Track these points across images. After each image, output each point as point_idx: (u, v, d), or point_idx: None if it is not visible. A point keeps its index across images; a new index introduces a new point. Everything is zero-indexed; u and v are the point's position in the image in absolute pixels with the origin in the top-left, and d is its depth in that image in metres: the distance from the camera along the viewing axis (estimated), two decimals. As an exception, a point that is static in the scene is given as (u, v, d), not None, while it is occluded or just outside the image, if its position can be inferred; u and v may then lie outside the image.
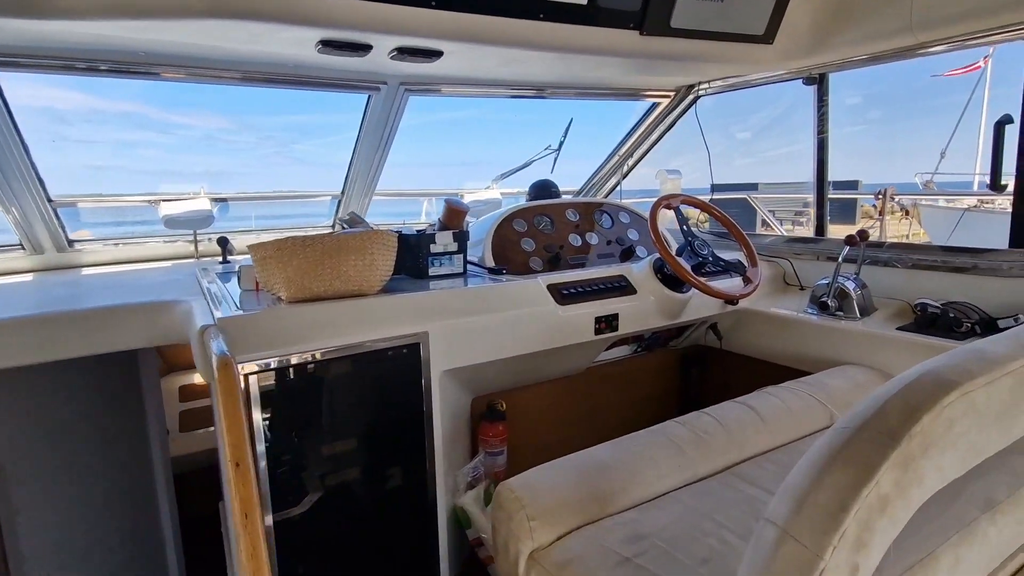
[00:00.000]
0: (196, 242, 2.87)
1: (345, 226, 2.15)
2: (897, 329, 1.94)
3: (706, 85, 2.68)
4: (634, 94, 2.82)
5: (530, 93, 2.74)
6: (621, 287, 2.10)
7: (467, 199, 3.31)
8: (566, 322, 1.91)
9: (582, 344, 1.99)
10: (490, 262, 2.23)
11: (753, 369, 2.39)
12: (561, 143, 3.09)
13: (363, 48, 1.80)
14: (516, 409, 2.17)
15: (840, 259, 2.09)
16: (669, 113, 2.88)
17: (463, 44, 1.84)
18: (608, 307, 2.02)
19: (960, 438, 0.70)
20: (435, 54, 1.92)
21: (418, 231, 2.18)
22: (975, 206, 13.25)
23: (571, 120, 2.99)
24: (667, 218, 2.33)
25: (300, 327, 1.54)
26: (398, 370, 1.64)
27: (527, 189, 2.80)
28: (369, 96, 2.52)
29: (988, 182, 1.85)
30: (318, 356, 1.53)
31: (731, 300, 1.97)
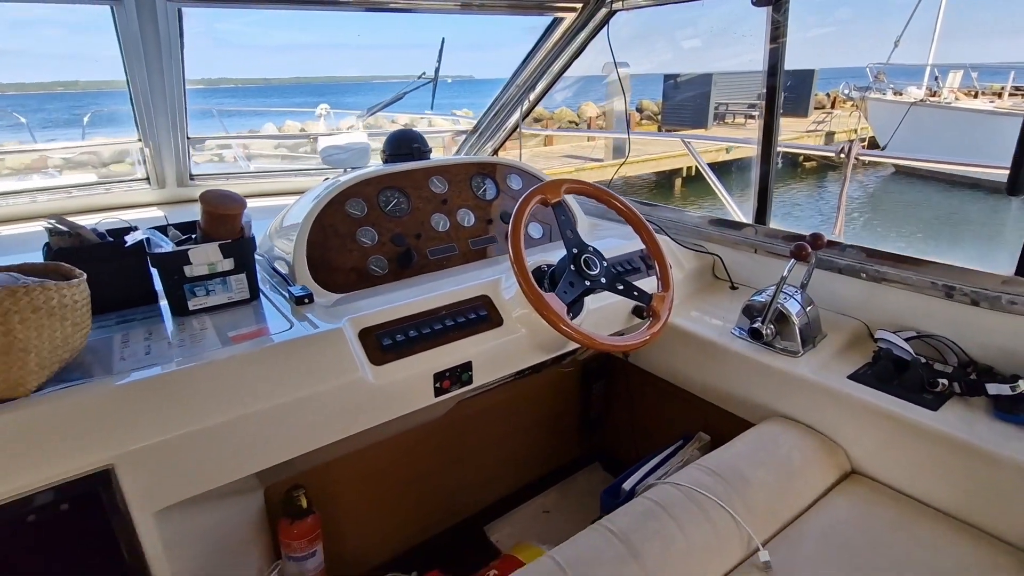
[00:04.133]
0: None
1: (59, 231, 1.40)
2: (848, 378, 1.42)
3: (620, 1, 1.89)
4: (529, 8, 2.00)
5: (384, 4, 1.90)
6: (480, 319, 1.47)
7: (322, 143, 2.50)
8: (384, 392, 1.29)
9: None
10: (303, 274, 1.54)
11: (665, 393, 1.87)
12: (437, 69, 2.28)
13: None
14: (338, 486, 1.61)
15: (786, 272, 1.50)
16: (577, 32, 2.09)
17: None
18: (456, 354, 1.40)
19: None
20: None
21: (179, 241, 1.46)
22: (922, 100, 12.64)
23: (443, 40, 2.16)
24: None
25: None
26: (64, 536, 1.00)
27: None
28: (111, 7, 1.65)
29: (1007, 183, 1.25)
30: None
31: (628, 350, 1.38)
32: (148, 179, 2.47)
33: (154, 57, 1.82)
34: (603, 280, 1.42)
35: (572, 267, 1.40)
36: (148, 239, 1.41)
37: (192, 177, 2.53)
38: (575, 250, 1.42)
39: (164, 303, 1.44)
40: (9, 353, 0.98)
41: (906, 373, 1.38)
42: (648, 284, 1.65)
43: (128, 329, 1.31)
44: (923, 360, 1.40)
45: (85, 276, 1.12)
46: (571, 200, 2.01)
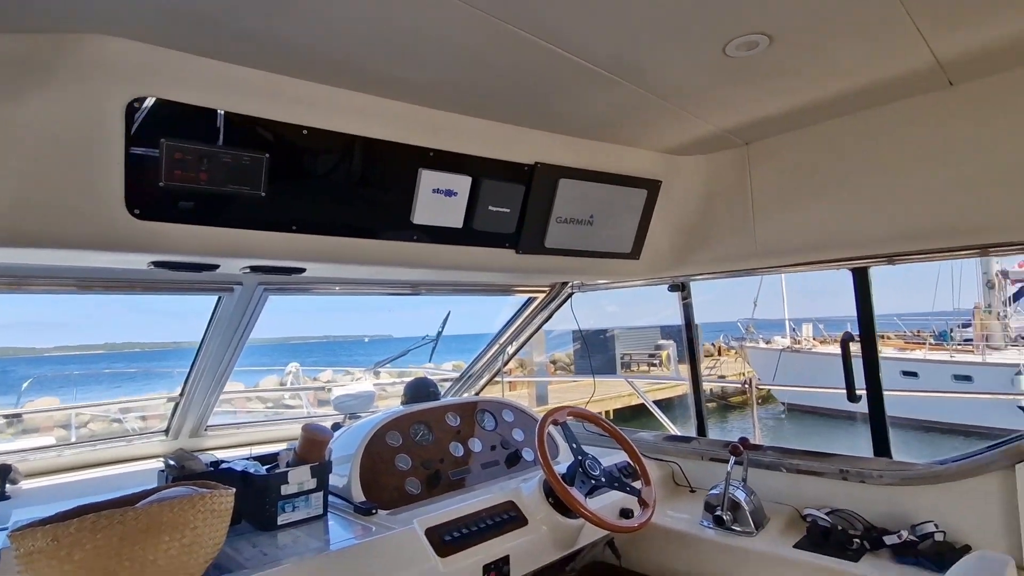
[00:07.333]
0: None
1: (171, 464, 1.71)
2: (794, 547, 1.87)
3: (578, 284, 2.77)
4: (508, 291, 2.82)
5: (405, 291, 2.63)
6: (511, 519, 1.84)
7: (335, 393, 2.96)
8: None
9: None
10: (358, 493, 1.88)
11: (656, 591, 2.17)
12: (439, 334, 2.96)
13: (207, 267, 1.57)
14: None
15: (729, 468, 2.04)
16: (545, 307, 2.90)
17: (329, 264, 1.68)
18: (498, 548, 1.73)
19: None
20: (296, 270, 1.73)
21: (268, 467, 1.81)
22: (788, 348, 15.58)
23: (448, 313, 2.90)
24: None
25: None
26: None
27: (403, 389, 2.56)
28: (220, 297, 2.22)
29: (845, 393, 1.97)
30: None
31: (632, 531, 1.79)
32: (167, 431, 2.74)
33: (230, 332, 2.34)
34: (603, 479, 1.89)
35: (580, 469, 1.87)
36: (247, 470, 1.75)
37: (206, 429, 2.82)
38: (580, 457, 1.91)
39: (242, 524, 1.71)
40: (192, 549, 1.27)
41: (831, 538, 1.87)
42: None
43: (230, 543, 1.56)
44: (839, 528, 1.91)
45: (234, 490, 1.45)
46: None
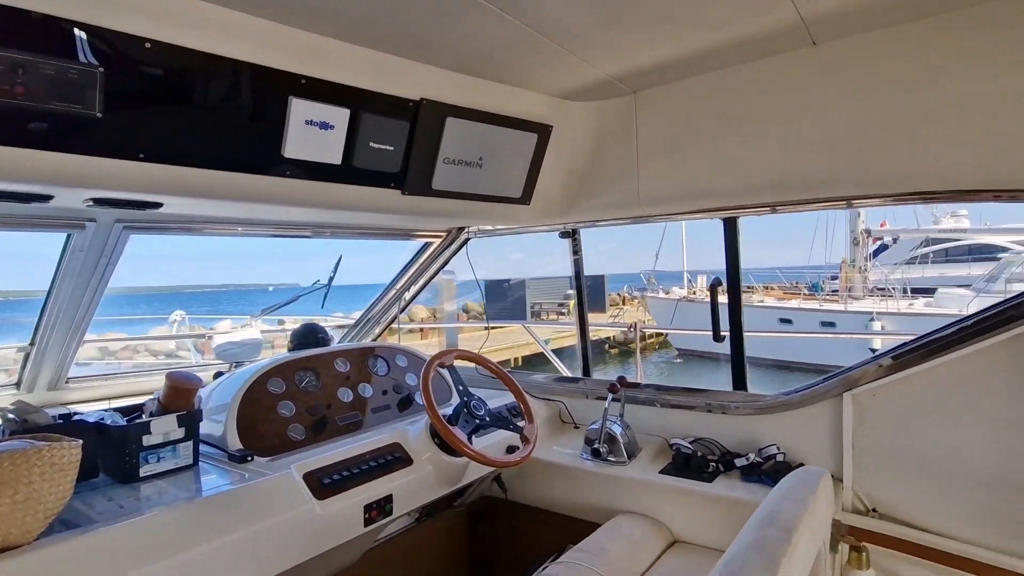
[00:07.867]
0: None
1: (9, 418, 1.55)
2: (660, 472, 2.05)
3: (475, 229, 2.75)
4: (409, 235, 2.75)
5: (293, 233, 2.48)
6: (396, 459, 1.86)
7: (217, 340, 2.79)
8: (327, 521, 1.58)
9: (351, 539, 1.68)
10: (234, 441, 1.81)
11: (539, 520, 2.31)
12: (331, 279, 2.85)
13: (37, 198, 1.38)
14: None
15: (606, 405, 2.18)
16: (442, 252, 2.87)
17: (190, 199, 1.54)
18: (380, 488, 1.75)
19: None
20: (151, 205, 1.57)
21: (129, 418, 1.69)
22: (684, 298, 16.90)
23: (340, 257, 2.79)
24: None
25: None
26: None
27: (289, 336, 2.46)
28: (70, 235, 1.99)
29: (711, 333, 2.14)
30: None
31: (512, 465, 1.88)
32: (18, 384, 2.47)
33: (87, 273, 2.11)
34: (487, 419, 1.95)
35: (465, 410, 1.91)
36: (102, 418, 1.62)
37: (68, 381, 2.57)
38: (466, 398, 1.95)
39: (100, 477, 1.60)
40: (27, 505, 1.17)
41: (691, 463, 2.06)
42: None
43: (82, 498, 1.45)
44: (699, 454, 2.10)
45: (81, 442, 1.34)
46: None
